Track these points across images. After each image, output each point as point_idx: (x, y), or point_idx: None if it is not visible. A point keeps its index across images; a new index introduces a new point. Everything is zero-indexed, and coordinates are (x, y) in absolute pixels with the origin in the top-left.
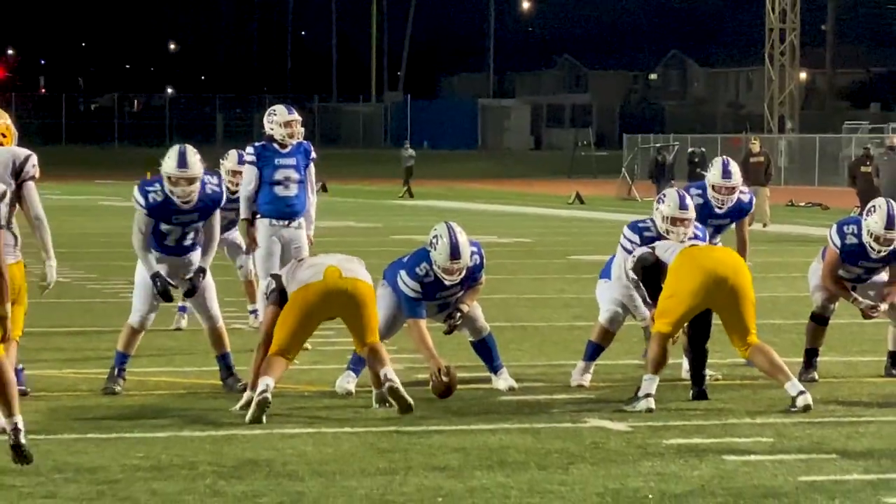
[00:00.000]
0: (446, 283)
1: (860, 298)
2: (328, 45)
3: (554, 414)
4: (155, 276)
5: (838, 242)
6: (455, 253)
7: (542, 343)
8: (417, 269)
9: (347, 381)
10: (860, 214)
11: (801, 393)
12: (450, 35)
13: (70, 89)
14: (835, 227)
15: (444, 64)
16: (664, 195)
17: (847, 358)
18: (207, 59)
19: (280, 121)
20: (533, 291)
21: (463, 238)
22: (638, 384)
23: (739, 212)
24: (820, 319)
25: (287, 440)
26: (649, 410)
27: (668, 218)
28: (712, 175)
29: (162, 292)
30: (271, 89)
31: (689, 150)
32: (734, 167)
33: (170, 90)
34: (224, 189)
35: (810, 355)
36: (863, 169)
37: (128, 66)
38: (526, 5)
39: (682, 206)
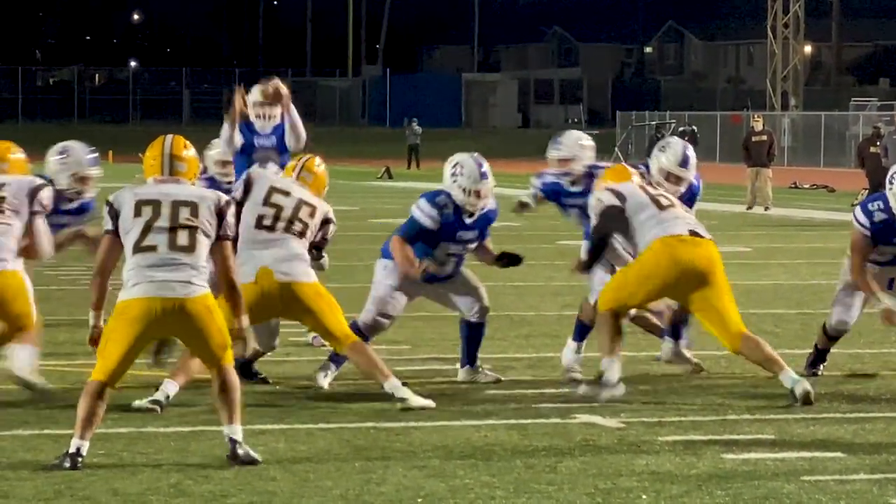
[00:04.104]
0: (468, 210)
1: (885, 301)
2: (302, 14)
3: (542, 409)
4: None
5: (866, 223)
6: (484, 173)
7: (530, 334)
8: (437, 199)
9: (325, 375)
10: (869, 197)
11: (797, 382)
12: (432, 5)
13: (27, 62)
14: (858, 209)
15: (426, 36)
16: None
17: (853, 350)
18: (174, 30)
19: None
20: (520, 279)
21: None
22: (601, 371)
23: (690, 199)
24: (832, 337)
25: (257, 437)
26: (615, 397)
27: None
28: (666, 158)
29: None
30: (242, 62)
31: (680, 128)
32: (693, 156)
33: (133, 63)
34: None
35: (821, 352)
36: (872, 149)
37: (88, 38)
38: None
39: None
